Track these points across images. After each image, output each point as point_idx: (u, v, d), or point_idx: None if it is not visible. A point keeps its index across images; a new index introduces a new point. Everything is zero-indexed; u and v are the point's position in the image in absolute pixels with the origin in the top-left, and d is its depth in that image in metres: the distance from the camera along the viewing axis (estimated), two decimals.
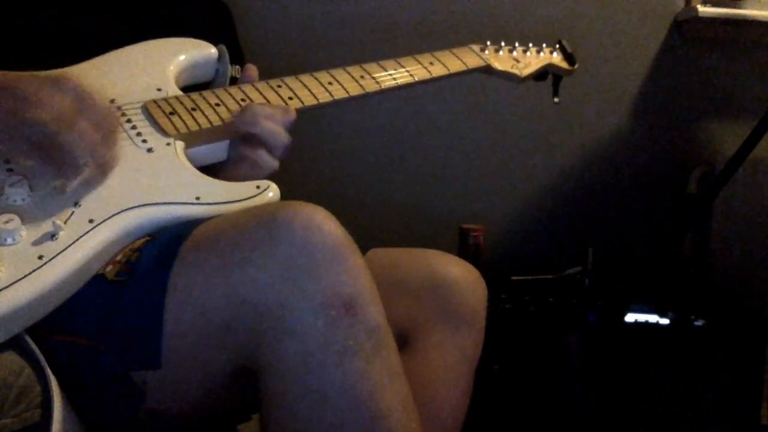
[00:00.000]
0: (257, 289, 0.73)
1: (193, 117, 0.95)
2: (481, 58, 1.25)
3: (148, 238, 0.83)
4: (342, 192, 1.98)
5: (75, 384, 0.76)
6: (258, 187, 0.88)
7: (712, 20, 2.00)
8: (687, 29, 2.05)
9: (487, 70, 1.27)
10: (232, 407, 0.90)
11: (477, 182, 2.06)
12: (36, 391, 0.72)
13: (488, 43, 1.29)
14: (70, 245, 0.78)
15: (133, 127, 0.92)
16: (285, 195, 0.89)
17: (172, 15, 1.14)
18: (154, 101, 0.96)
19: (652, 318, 1.71)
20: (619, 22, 2.06)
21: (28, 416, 0.71)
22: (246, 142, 0.97)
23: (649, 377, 1.71)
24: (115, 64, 0.99)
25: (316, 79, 1.07)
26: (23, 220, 0.78)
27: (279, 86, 1.04)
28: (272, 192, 0.88)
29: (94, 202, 0.82)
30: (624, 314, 1.71)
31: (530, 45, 1.34)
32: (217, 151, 0.98)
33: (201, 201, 0.86)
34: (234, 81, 1.07)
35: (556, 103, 1.37)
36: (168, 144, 0.91)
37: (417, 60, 1.18)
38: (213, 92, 1.00)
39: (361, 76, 1.10)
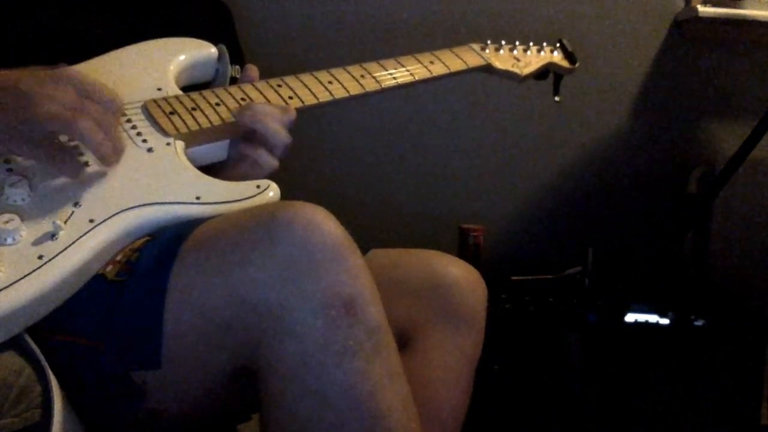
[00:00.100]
0: (257, 289, 0.73)
1: (193, 117, 0.95)
2: (482, 57, 1.25)
3: (148, 238, 0.83)
4: (342, 192, 1.98)
5: (75, 384, 0.76)
6: (258, 186, 0.88)
7: (712, 20, 2.00)
8: (687, 29, 2.05)
9: (488, 69, 1.27)
10: (232, 407, 0.90)
11: (477, 182, 2.06)
12: (36, 391, 0.72)
13: (489, 42, 1.29)
14: (70, 245, 0.78)
15: (133, 127, 0.92)
16: (285, 195, 0.89)
17: (172, 15, 1.14)
18: (154, 101, 0.96)
19: (652, 318, 1.71)
20: (619, 22, 2.06)
21: (28, 416, 0.71)
22: (246, 141, 0.97)
23: (649, 377, 1.71)
24: (115, 64, 0.99)
25: (316, 78, 1.07)
26: (23, 220, 0.78)
27: (279, 86, 1.04)
28: (272, 192, 0.88)
29: (94, 202, 0.82)
30: (624, 314, 1.71)
31: (531, 44, 1.34)
32: (218, 150, 0.98)
33: (201, 201, 0.86)
34: (234, 81, 1.07)
35: (557, 102, 1.37)
36: (168, 144, 0.91)
37: (417, 59, 1.18)
38: (213, 92, 1.00)
39: (362, 76, 1.10)
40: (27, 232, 0.78)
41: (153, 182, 0.86)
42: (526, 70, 1.31)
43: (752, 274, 1.84)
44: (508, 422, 1.69)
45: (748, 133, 1.66)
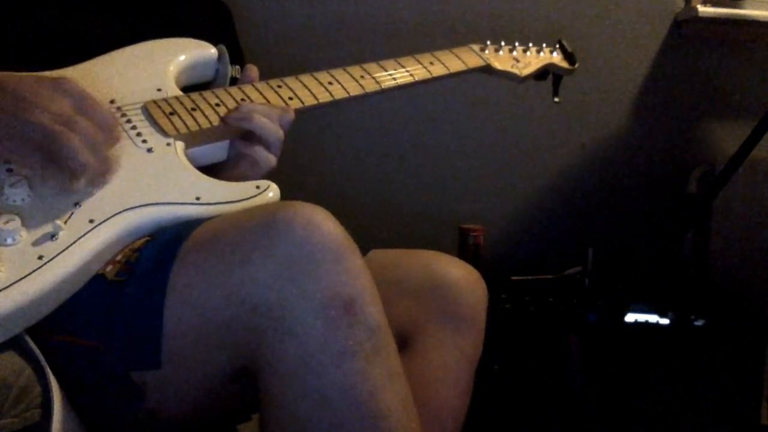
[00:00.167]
0: (257, 289, 0.73)
1: (193, 117, 0.95)
2: (481, 58, 1.25)
3: (148, 238, 0.83)
4: (342, 192, 1.98)
5: (75, 384, 0.76)
6: (258, 187, 0.88)
7: (712, 20, 2.00)
8: (687, 29, 2.05)
9: (487, 69, 1.27)
10: (232, 407, 0.90)
11: (477, 182, 2.06)
12: (36, 391, 0.72)
13: (488, 42, 1.29)
14: (70, 245, 0.78)
15: (133, 128, 0.92)
16: (285, 195, 0.89)
17: (172, 15, 1.14)
18: (154, 101, 0.96)
19: (652, 318, 1.71)
20: (619, 22, 2.05)
21: (28, 416, 0.71)
22: (243, 140, 0.97)
23: (649, 377, 1.71)
24: (115, 64, 0.99)
25: (316, 79, 1.07)
26: (23, 221, 0.78)
27: (279, 86, 1.04)
28: (272, 192, 0.88)
29: (94, 203, 0.82)
30: (624, 314, 1.71)
31: (530, 45, 1.34)
32: (217, 151, 0.98)
33: (201, 201, 0.86)
34: (234, 81, 1.07)
35: (556, 103, 1.37)
36: (168, 144, 0.91)
37: (417, 60, 1.18)
38: (213, 92, 1.00)
39: (361, 76, 1.10)
40: (27, 232, 0.78)
41: (153, 183, 0.86)
42: (526, 71, 1.31)
43: (752, 274, 1.84)
44: (508, 422, 1.69)
45: (748, 133, 1.66)
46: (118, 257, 0.81)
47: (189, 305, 0.76)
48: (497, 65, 1.27)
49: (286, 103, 1.02)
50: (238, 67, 1.09)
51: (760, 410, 1.68)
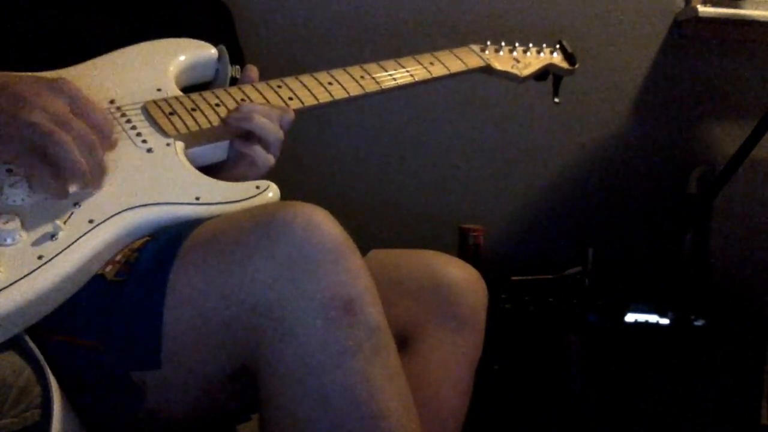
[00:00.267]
0: (257, 289, 0.73)
1: (192, 117, 0.95)
2: (482, 58, 1.25)
3: (147, 238, 0.83)
4: (342, 192, 1.98)
5: (75, 384, 0.76)
6: (258, 187, 0.88)
7: (712, 20, 2.00)
8: (687, 29, 2.05)
9: (488, 70, 1.27)
10: (231, 407, 0.90)
11: (477, 182, 2.06)
12: (36, 391, 0.72)
13: (488, 43, 1.29)
14: (69, 245, 0.78)
15: (133, 128, 0.92)
16: (285, 195, 0.89)
17: (172, 15, 1.14)
18: (154, 101, 0.96)
19: (652, 318, 1.71)
20: (619, 22, 2.05)
21: (28, 416, 0.71)
22: (243, 140, 0.97)
23: (649, 377, 1.71)
24: (115, 64, 0.99)
25: (316, 79, 1.07)
26: (23, 221, 0.78)
27: (279, 86, 1.04)
28: (272, 192, 0.88)
29: (93, 203, 0.82)
30: (624, 314, 1.71)
31: (530, 45, 1.34)
32: (217, 151, 0.98)
33: (201, 201, 0.86)
34: (234, 81, 1.07)
35: (556, 103, 1.37)
36: (168, 144, 0.91)
37: (417, 60, 1.18)
38: (213, 92, 1.00)
39: (361, 77, 1.10)
40: (26, 232, 0.78)
41: (153, 183, 0.86)
42: (526, 72, 1.31)
43: (752, 274, 1.84)
44: (508, 422, 1.69)
45: (748, 133, 1.66)
46: (118, 257, 0.81)
47: (189, 305, 0.76)
48: (497, 66, 1.27)
49: (286, 103, 1.02)
50: (238, 67, 1.09)
51: (760, 410, 1.68)
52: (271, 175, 0.97)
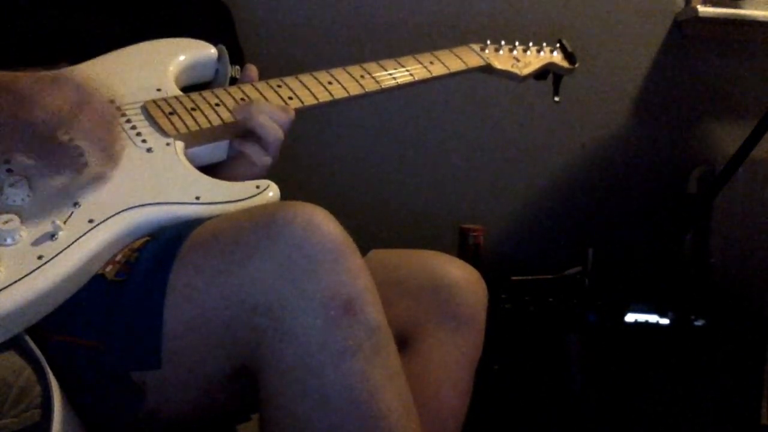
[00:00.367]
0: (257, 288, 0.73)
1: (192, 117, 0.95)
2: (482, 58, 1.25)
3: (147, 238, 0.83)
4: (342, 192, 1.98)
5: (75, 384, 0.76)
6: (258, 186, 0.88)
7: (712, 20, 2.00)
8: (687, 29, 2.05)
9: (488, 69, 1.27)
10: (231, 407, 0.90)
11: (477, 182, 2.06)
12: (36, 391, 0.72)
13: (488, 42, 1.29)
14: (69, 245, 0.78)
15: (133, 127, 0.92)
16: (285, 195, 0.89)
17: (172, 15, 1.14)
18: (154, 101, 0.96)
19: (652, 318, 1.71)
20: (619, 22, 2.05)
21: (28, 416, 0.71)
22: (243, 139, 0.97)
23: (649, 377, 1.71)
24: (115, 64, 0.99)
25: (316, 78, 1.07)
26: (23, 220, 0.78)
27: (279, 86, 1.04)
28: (272, 192, 0.88)
29: (93, 202, 0.82)
30: (624, 314, 1.71)
31: (530, 44, 1.34)
32: (217, 151, 0.98)
33: (201, 201, 0.86)
34: (234, 81, 1.07)
35: (556, 103, 1.37)
36: (168, 144, 0.91)
37: (417, 59, 1.18)
38: (213, 92, 1.00)
39: (361, 76, 1.10)
40: (27, 232, 0.78)
41: (152, 182, 0.86)
42: (526, 71, 1.31)
43: (752, 274, 1.84)
44: (508, 422, 1.69)
45: (748, 133, 1.66)
46: (118, 257, 0.81)
47: (189, 305, 0.76)
48: (497, 65, 1.27)
49: (286, 103, 1.02)
50: (237, 67, 1.09)
51: (760, 410, 1.68)
52: (271, 175, 0.97)
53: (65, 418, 0.72)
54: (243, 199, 0.87)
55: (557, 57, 1.35)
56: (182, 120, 0.94)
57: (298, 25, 1.94)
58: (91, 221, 0.80)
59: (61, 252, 0.77)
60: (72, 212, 0.81)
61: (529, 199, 2.10)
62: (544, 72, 1.36)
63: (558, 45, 1.37)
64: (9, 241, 0.77)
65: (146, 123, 0.93)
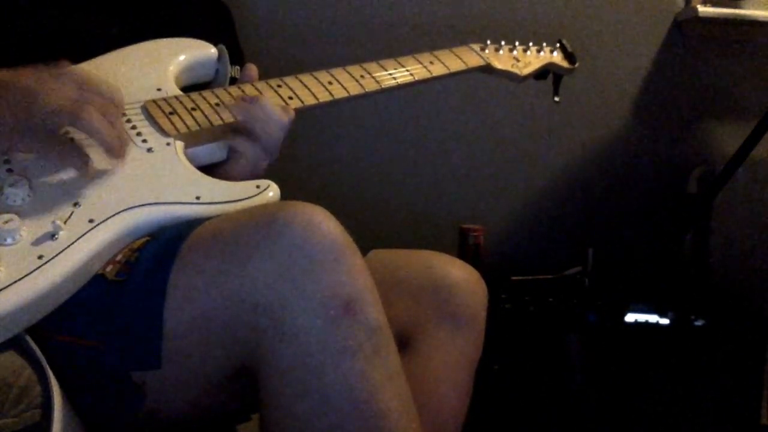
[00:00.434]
0: (257, 288, 0.73)
1: (192, 117, 0.95)
2: (482, 57, 1.25)
3: (148, 238, 0.83)
4: (342, 192, 1.98)
5: (75, 384, 0.76)
6: (258, 186, 0.88)
7: (712, 20, 2.00)
8: (687, 29, 2.05)
9: (488, 69, 1.27)
10: (231, 407, 0.90)
11: (477, 182, 2.06)
12: (36, 391, 0.72)
13: (488, 42, 1.29)
14: (69, 245, 0.78)
15: (133, 127, 0.92)
16: (285, 195, 0.89)
17: (172, 15, 1.14)
18: (154, 101, 0.96)
19: (652, 318, 1.71)
20: (619, 22, 2.06)
21: (28, 416, 0.71)
22: (242, 139, 0.97)
23: (649, 377, 1.71)
24: (115, 64, 0.99)
25: (316, 78, 1.07)
26: (23, 220, 0.78)
27: (279, 86, 1.04)
28: (272, 192, 0.88)
29: (94, 202, 0.82)
30: (624, 314, 1.71)
31: (530, 44, 1.34)
32: (217, 151, 0.98)
33: (201, 201, 0.86)
34: (234, 81, 1.07)
35: (556, 103, 1.37)
36: (168, 144, 0.91)
37: (417, 59, 1.18)
38: (213, 92, 1.00)
39: (361, 76, 1.10)
40: (27, 232, 0.78)
41: (153, 182, 0.86)
42: (526, 71, 1.31)
43: (752, 274, 1.84)
44: (508, 422, 1.69)
45: (748, 133, 1.66)
46: (118, 257, 0.81)
47: (189, 305, 0.76)
48: (497, 65, 1.27)
49: (286, 103, 1.02)
50: (237, 67, 1.09)
51: (760, 410, 1.68)
52: (271, 175, 0.97)
53: (65, 418, 0.72)
54: (243, 199, 0.87)
55: (557, 57, 1.35)
56: (182, 120, 0.94)
57: (298, 25, 1.94)
58: (91, 221, 0.80)
59: (61, 252, 0.77)
60: (72, 212, 0.81)
61: (529, 199, 2.10)
62: (544, 72, 1.36)
63: (558, 45, 1.37)
64: (9, 240, 0.77)
65: (146, 123, 0.93)
